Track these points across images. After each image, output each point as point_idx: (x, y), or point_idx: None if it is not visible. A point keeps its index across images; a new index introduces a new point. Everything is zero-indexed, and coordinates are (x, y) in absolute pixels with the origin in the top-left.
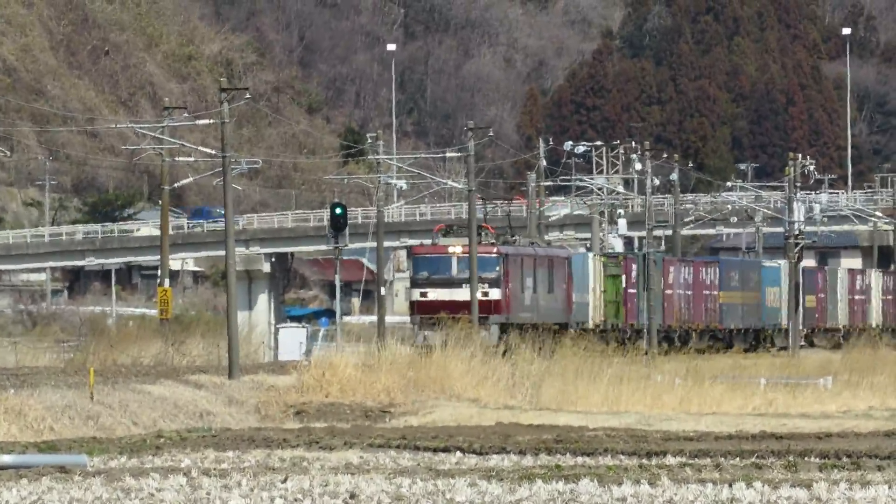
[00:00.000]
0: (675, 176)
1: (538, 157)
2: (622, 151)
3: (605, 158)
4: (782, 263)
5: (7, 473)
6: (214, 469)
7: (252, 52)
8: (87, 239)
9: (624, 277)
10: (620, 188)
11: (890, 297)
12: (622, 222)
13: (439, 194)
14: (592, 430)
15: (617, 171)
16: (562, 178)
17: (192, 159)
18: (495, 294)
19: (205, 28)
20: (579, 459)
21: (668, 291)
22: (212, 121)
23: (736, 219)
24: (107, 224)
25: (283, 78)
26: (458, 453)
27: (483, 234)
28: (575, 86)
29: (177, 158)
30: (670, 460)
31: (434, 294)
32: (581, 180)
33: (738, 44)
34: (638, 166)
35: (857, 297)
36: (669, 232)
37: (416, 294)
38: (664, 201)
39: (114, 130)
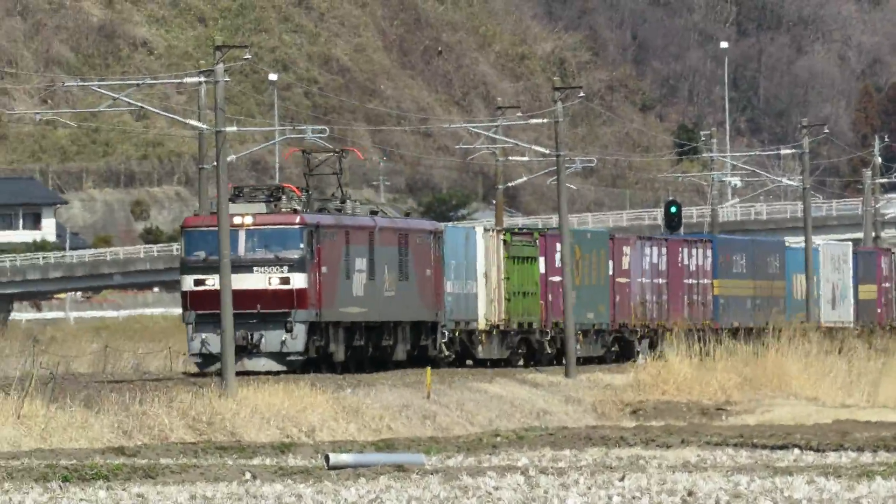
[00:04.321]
0: None
1: (873, 153)
2: None
3: None
4: (822, 243)
5: (346, 472)
6: (552, 468)
7: (585, 51)
8: None
9: (543, 261)
10: None
11: None
12: None
13: (774, 192)
14: None
15: None
16: None
17: (525, 158)
18: (299, 281)
19: (538, 27)
20: None
21: (623, 280)
22: (545, 120)
23: None
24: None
25: (617, 76)
26: (796, 451)
27: (285, 194)
28: None
29: (511, 158)
30: None
31: (214, 282)
32: None
33: None
34: None
35: None
36: None
37: (188, 282)
38: None
39: (447, 130)
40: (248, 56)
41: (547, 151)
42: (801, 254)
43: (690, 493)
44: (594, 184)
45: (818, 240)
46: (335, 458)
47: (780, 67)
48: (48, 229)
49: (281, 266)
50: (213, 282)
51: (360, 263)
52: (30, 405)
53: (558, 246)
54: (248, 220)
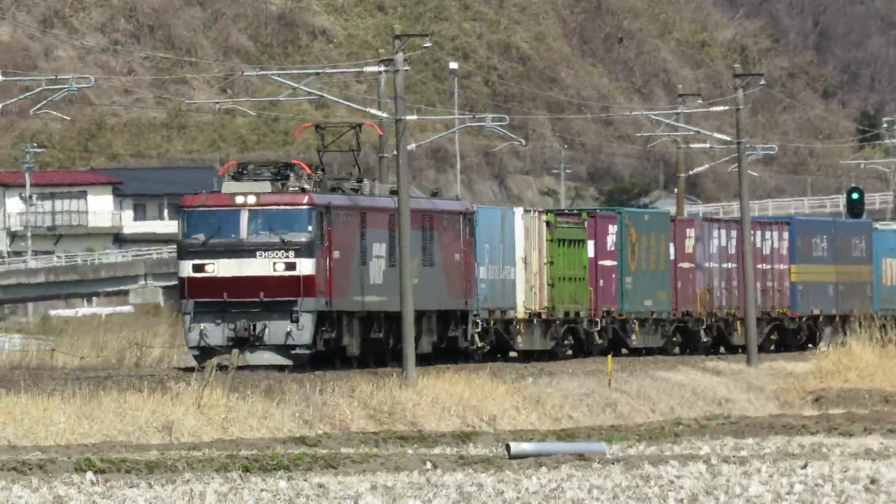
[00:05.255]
0: None
1: None
2: None
3: None
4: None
5: (527, 461)
6: (734, 456)
7: (766, 38)
8: None
9: (592, 244)
10: None
11: None
12: None
13: None
14: None
15: None
16: None
17: (706, 146)
18: (306, 267)
19: (718, 14)
20: None
21: (685, 265)
22: (726, 107)
23: None
24: None
25: (798, 63)
26: None
27: (293, 172)
28: None
29: (692, 145)
30: None
31: (214, 267)
32: None
33: None
34: None
35: None
36: None
37: (186, 268)
38: None
39: (628, 118)
40: (427, 44)
41: (728, 139)
42: (891, 236)
43: (873, 481)
44: (775, 171)
45: (894, 224)
46: (516, 447)
47: None
48: None
49: (286, 250)
50: (213, 268)
51: (379, 248)
52: (210, 395)
53: (610, 228)
54: (251, 199)
